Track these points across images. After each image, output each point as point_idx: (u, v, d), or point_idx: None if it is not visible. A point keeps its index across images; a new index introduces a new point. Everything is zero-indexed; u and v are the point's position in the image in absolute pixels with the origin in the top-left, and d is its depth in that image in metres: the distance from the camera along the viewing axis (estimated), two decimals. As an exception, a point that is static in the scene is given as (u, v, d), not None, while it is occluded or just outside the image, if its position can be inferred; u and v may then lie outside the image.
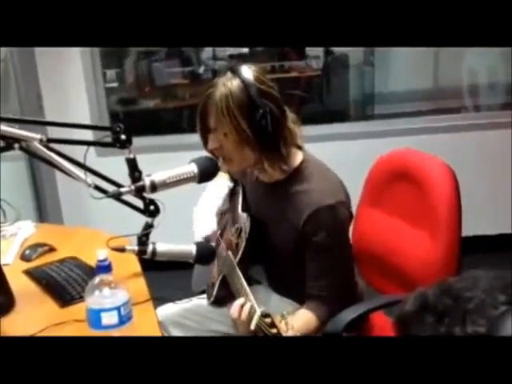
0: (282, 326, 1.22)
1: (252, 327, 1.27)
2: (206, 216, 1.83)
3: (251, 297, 1.39)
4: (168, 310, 1.84)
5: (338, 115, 4.12)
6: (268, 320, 1.24)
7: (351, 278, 1.68)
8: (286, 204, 1.59)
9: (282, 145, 1.54)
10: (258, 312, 1.29)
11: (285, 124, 1.55)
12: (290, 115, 1.59)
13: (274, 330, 1.22)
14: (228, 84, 1.50)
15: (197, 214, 1.86)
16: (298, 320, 1.53)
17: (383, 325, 1.77)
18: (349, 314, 1.54)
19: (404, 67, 4.19)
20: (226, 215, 1.86)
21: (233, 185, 1.87)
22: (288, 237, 1.59)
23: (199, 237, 1.78)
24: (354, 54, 4.24)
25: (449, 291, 0.68)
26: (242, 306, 1.42)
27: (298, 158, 1.62)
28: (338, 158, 1.67)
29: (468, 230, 1.71)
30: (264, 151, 1.54)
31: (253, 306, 1.35)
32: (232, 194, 1.87)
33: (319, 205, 1.52)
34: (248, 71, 1.51)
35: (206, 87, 1.55)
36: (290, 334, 1.22)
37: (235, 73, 1.51)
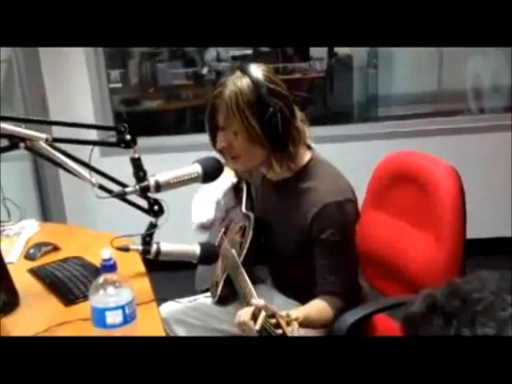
0: (287, 328, 1.22)
1: (257, 327, 1.27)
2: (204, 203, 1.83)
3: (255, 296, 1.39)
4: (171, 307, 1.85)
5: (342, 117, 4.13)
6: (273, 321, 1.24)
7: (357, 276, 1.68)
8: (292, 202, 1.60)
9: (291, 144, 1.55)
10: (263, 312, 1.29)
11: (293, 123, 1.55)
12: (299, 114, 1.59)
13: (280, 331, 1.21)
14: (238, 83, 1.50)
15: (195, 201, 1.85)
16: (312, 307, 1.53)
17: (386, 327, 1.77)
18: (353, 316, 1.54)
19: (408, 69, 4.19)
20: (229, 213, 1.86)
21: (237, 180, 1.87)
22: (294, 235, 1.60)
23: (196, 223, 1.79)
24: (358, 56, 4.24)
25: (457, 292, 0.67)
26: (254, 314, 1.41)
27: (306, 156, 1.63)
28: (342, 159, 1.67)
29: (471, 233, 1.71)
30: (273, 150, 1.55)
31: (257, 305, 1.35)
32: (236, 190, 1.87)
33: (326, 202, 1.53)
34: (257, 70, 1.52)
35: (216, 86, 1.55)
36: (295, 334, 1.22)
37: (245, 72, 1.52)
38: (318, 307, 1.55)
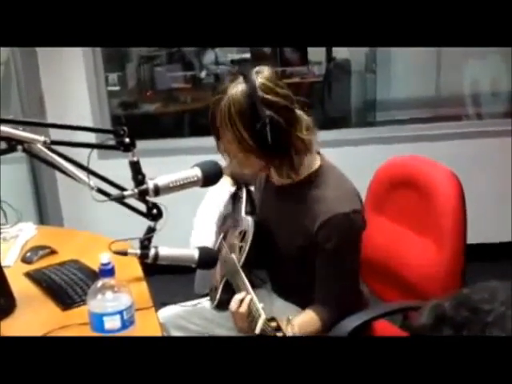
0: (288, 330, 1.21)
1: (257, 331, 1.26)
2: (204, 229, 1.82)
3: (256, 301, 1.38)
4: (170, 312, 1.83)
5: (340, 121, 4.12)
6: (274, 324, 1.23)
7: (358, 286, 1.67)
8: (298, 208, 1.58)
9: (293, 153, 1.51)
10: (263, 316, 1.28)
11: (293, 134, 1.50)
12: (305, 121, 1.55)
13: (280, 334, 1.20)
14: (233, 91, 1.46)
15: (196, 224, 1.85)
16: (300, 318, 1.52)
17: (386, 332, 1.76)
18: (353, 322, 1.53)
19: (406, 74, 4.19)
20: (228, 219, 1.85)
21: (235, 189, 1.86)
22: (297, 241, 1.58)
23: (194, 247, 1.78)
24: (356, 60, 4.25)
25: (467, 303, 0.66)
26: (242, 300, 1.43)
27: (315, 162, 1.60)
28: (340, 164, 1.66)
29: (471, 238, 1.70)
30: (270, 159, 1.53)
31: (258, 309, 1.34)
32: (234, 198, 1.86)
33: (335, 212, 1.50)
34: (256, 77, 1.46)
35: (216, 92, 1.52)
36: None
37: (244, 78, 1.47)
38: (305, 319, 1.54)
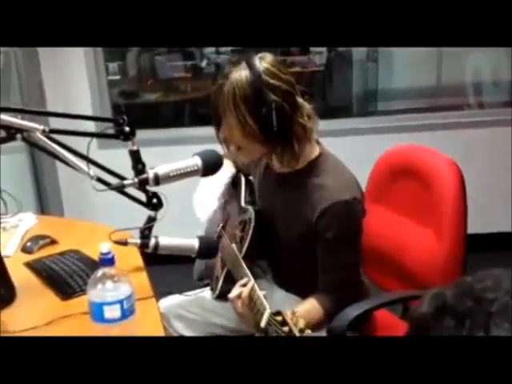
0: (293, 324, 1.19)
1: (262, 325, 1.25)
2: (207, 199, 1.81)
3: (258, 292, 1.38)
4: (170, 301, 1.83)
5: (341, 111, 4.10)
6: (279, 318, 1.22)
7: (359, 275, 1.67)
8: (298, 196, 1.57)
9: (295, 140, 1.51)
10: (268, 309, 1.27)
11: (296, 119, 1.50)
12: (307, 109, 1.55)
13: (286, 329, 1.19)
14: (237, 76, 1.47)
15: (197, 198, 1.84)
16: (302, 307, 1.52)
17: (386, 322, 1.76)
18: (353, 311, 1.53)
19: (407, 64, 4.17)
20: (228, 207, 1.84)
21: (235, 172, 1.85)
22: (298, 230, 1.58)
23: (204, 220, 1.78)
24: (358, 49, 4.22)
25: (470, 292, 0.64)
26: (244, 286, 1.44)
27: (315, 151, 1.60)
28: (341, 153, 1.65)
29: (470, 228, 1.69)
30: (272, 146, 1.52)
31: (262, 302, 1.33)
32: (234, 183, 1.85)
33: (335, 200, 1.50)
34: (259, 63, 1.47)
35: (219, 77, 1.52)
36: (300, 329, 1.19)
37: (247, 63, 1.47)
38: (308, 307, 1.54)
